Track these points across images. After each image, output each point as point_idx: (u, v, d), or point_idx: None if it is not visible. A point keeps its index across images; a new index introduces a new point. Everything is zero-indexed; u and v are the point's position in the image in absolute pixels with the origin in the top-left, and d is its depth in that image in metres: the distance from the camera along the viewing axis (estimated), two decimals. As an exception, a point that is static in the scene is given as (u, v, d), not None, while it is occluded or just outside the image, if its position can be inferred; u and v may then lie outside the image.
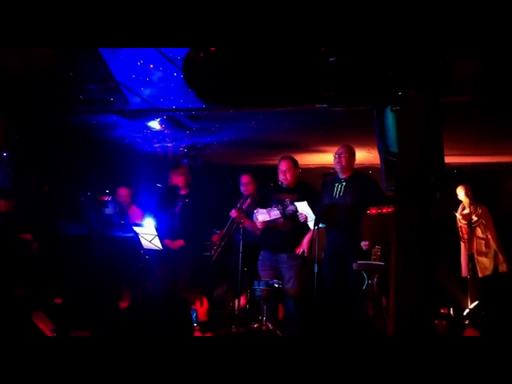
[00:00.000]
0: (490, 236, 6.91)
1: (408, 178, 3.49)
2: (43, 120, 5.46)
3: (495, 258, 6.86)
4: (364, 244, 5.39)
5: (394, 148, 4.53)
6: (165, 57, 4.07)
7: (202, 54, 2.51)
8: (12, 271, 5.60)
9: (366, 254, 5.36)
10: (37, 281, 5.77)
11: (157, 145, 6.91)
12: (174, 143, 6.84)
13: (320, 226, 5.32)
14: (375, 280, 5.24)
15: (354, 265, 5.28)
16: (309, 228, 5.75)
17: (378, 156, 4.78)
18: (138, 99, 4.97)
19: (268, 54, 2.53)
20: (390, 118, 4.40)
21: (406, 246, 3.44)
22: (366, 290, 5.30)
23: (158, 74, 4.58)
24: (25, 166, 5.76)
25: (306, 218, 5.57)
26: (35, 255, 5.83)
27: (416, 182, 3.47)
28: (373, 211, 4.88)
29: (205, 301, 6.16)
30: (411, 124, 3.56)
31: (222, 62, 2.54)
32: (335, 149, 6.32)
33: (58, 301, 5.90)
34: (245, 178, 6.47)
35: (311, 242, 5.62)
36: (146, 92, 4.87)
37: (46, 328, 4.31)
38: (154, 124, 6.18)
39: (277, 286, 5.52)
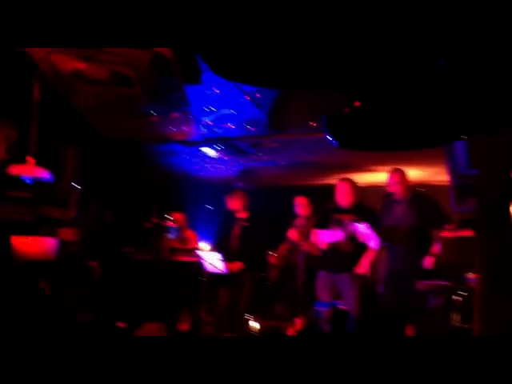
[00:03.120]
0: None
1: (490, 206, 3.55)
2: (110, 149, 5.64)
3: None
4: (427, 263, 5.42)
5: (463, 170, 4.63)
6: (242, 91, 4.21)
7: (347, 110, 2.65)
8: (78, 297, 5.75)
9: (432, 273, 5.39)
10: (102, 306, 5.92)
11: (211, 168, 7.06)
12: (229, 167, 6.97)
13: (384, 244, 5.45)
14: (442, 300, 5.28)
15: (418, 285, 5.32)
16: (368, 248, 5.85)
17: (449, 177, 4.88)
18: (205, 130, 5.13)
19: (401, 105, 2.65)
20: (458, 142, 4.48)
21: (491, 273, 3.50)
22: (432, 310, 5.33)
23: (229, 105, 4.73)
24: (90, 194, 5.92)
25: (367, 239, 5.66)
26: (100, 281, 5.97)
27: (498, 209, 3.53)
28: (448, 234, 4.94)
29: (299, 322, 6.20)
30: (491, 153, 3.62)
31: (367, 116, 2.67)
32: (386, 168, 6.41)
33: (122, 325, 6.04)
34: (300, 200, 6.59)
35: (374, 263, 5.73)
36: (215, 122, 5.02)
37: None
38: (210, 151, 6.32)
39: (341, 307, 5.55)
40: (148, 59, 3.77)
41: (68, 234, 5.78)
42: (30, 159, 4.32)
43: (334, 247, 5.91)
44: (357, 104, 2.62)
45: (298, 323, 5.90)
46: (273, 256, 6.65)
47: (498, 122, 2.82)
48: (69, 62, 3.85)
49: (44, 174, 4.30)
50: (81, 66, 3.88)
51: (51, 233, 5.39)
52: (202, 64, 3.84)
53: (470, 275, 5.10)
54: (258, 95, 4.70)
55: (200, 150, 6.15)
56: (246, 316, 5.89)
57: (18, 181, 4.44)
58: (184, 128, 4.81)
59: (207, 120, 5.12)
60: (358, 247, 5.84)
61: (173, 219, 6.34)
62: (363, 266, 5.81)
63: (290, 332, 5.44)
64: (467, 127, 2.80)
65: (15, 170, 4.44)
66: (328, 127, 2.80)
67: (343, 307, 5.65)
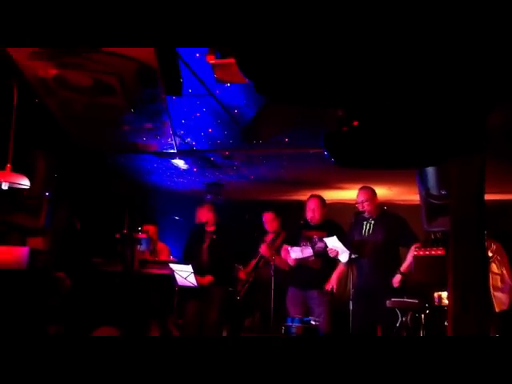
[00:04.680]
0: (505, 271, 7.06)
1: (463, 227, 3.61)
2: (81, 158, 5.58)
3: (511, 293, 7.01)
4: (395, 281, 5.51)
5: (434, 191, 4.74)
6: (222, 106, 4.23)
7: (345, 128, 2.69)
8: (46, 308, 5.62)
9: (399, 291, 5.49)
10: (70, 318, 5.80)
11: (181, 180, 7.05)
12: (198, 180, 6.97)
13: (353, 256, 5.55)
14: (409, 317, 5.37)
15: (387, 302, 5.40)
16: (337, 264, 5.93)
17: (420, 197, 4.98)
18: (179, 140, 5.12)
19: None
20: (430, 164, 4.58)
21: (464, 291, 3.57)
22: (400, 328, 5.41)
23: (205, 119, 4.75)
24: (59, 202, 5.81)
25: (337, 253, 5.74)
26: (68, 292, 5.85)
27: (471, 229, 3.60)
28: (420, 252, 5.04)
29: None
30: (464, 175, 3.70)
31: (365, 135, 2.71)
32: (354, 185, 6.53)
33: (90, 337, 5.93)
34: (267, 216, 6.64)
35: (345, 280, 5.82)
36: (189, 134, 5.03)
37: None
38: (180, 162, 6.30)
39: (313, 323, 5.53)
40: (134, 69, 3.76)
41: (37, 242, 5.65)
42: (8, 165, 4.23)
43: (302, 264, 5.98)
44: (355, 123, 2.68)
45: None
46: (241, 270, 6.64)
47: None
48: (52, 68, 3.80)
49: (23, 180, 4.21)
50: (64, 72, 3.84)
51: (21, 241, 5.27)
52: (183, 76, 3.86)
53: (438, 294, 5.23)
54: (236, 110, 4.73)
55: (171, 162, 6.13)
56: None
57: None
58: (158, 139, 4.82)
59: (182, 132, 5.12)
60: (326, 264, 5.93)
61: (145, 231, 6.29)
62: (331, 282, 5.89)
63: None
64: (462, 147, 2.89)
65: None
66: (326, 145, 2.85)
67: (314, 323, 5.66)
